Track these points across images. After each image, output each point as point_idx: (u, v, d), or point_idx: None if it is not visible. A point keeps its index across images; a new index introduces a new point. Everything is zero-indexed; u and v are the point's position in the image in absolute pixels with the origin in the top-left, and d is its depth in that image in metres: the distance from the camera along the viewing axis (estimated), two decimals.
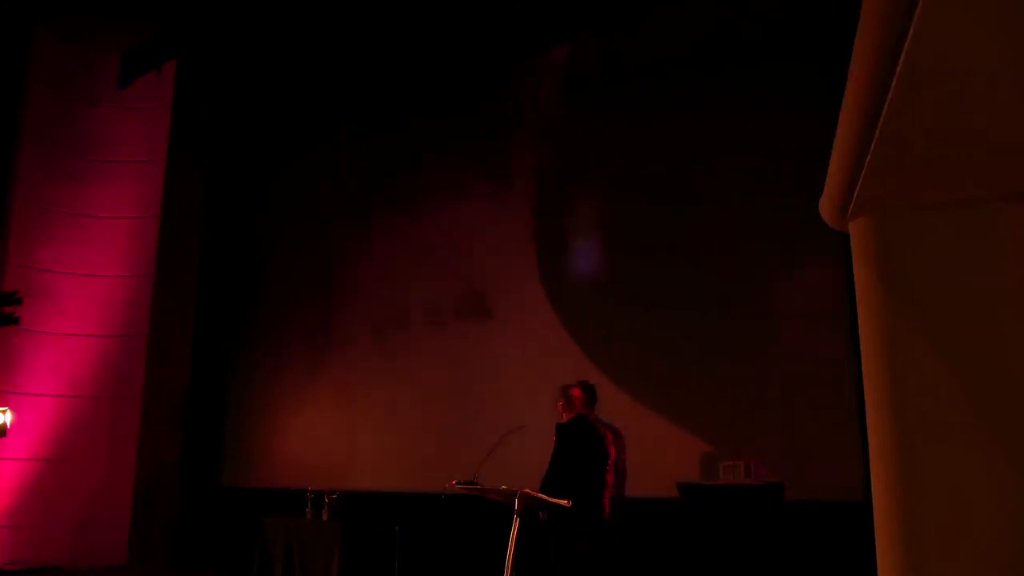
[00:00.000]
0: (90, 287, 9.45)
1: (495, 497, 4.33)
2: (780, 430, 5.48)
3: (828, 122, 1.61)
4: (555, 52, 7.52)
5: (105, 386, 9.31)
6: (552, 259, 7.10)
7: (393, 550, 6.14)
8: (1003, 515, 1.32)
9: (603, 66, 7.13)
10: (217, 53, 9.56)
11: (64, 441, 9.06)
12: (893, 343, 1.44)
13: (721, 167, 6.25)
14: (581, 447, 4.63)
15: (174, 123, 9.73)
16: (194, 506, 9.16)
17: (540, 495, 4.20)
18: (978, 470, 1.34)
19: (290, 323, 9.18)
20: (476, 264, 7.60)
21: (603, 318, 6.60)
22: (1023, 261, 1.39)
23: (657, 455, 5.58)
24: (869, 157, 1.31)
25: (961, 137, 1.30)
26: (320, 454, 8.37)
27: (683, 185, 6.47)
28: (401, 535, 6.19)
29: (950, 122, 1.25)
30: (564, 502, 4.08)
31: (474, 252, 7.66)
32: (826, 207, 1.61)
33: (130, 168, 9.82)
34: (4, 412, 7.87)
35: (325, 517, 6.37)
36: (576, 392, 4.83)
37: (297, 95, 9.07)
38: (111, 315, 9.46)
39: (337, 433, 8.36)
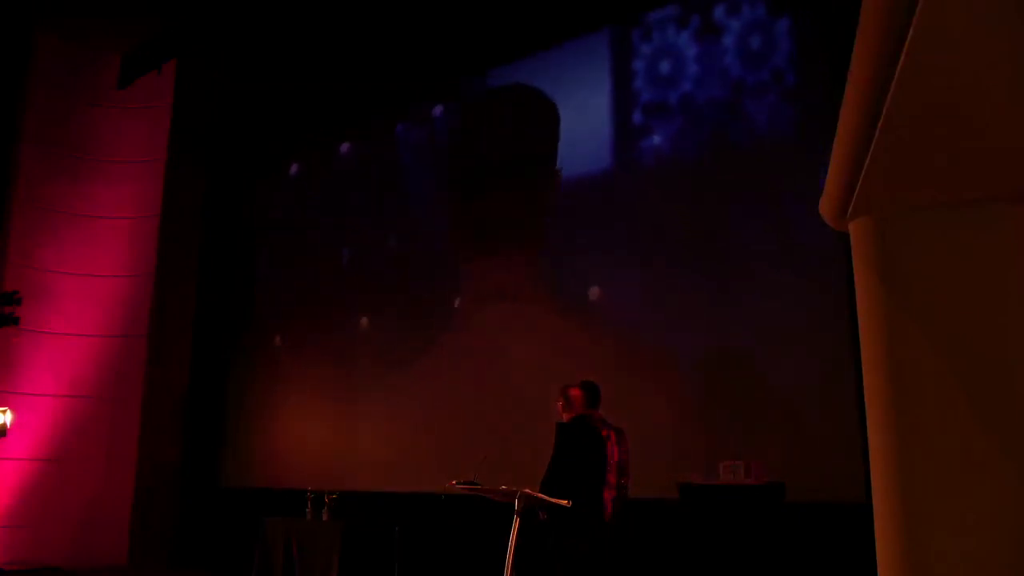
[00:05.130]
0: (90, 287, 9.45)
1: (495, 497, 4.33)
2: (780, 430, 5.48)
3: (828, 122, 1.62)
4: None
5: (105, 386, 9.32)
6: (553, 260, 7.10)
7: (393, 550, 6.14)
8: (1004, 516, 1.32)
9: None
10: (217, 53, 9.57)
11: (64, 441, 9.07)
12: (893, 343, 1.44)
13: (720, 167, 6.25)
14: (580, 447, 4.62)
15: (174, 123, 9.75)
16: (194, 506, 9.16)
17: (540, 495, 4.20)
18: (978, 470, 1.34)
19: (290, 323, 9.18)
20: (477, 263, 7.60)
21: (603, 318, 6.59)
22: (1023, 261, 1.38)
23: (657, 455, 5.57)
24: (869, 157, 1.31)
25: (961, 137, 1.30)
26: (320, 454, 8.37)
27: (682, 184, 6.47)
28: (400, 535, 6.19)
29: (950, 122, 1.25)
30: (564, 502, 4.08)
31: (475, 252, 7.66)
32: (826, 207, 1.61)
33: (130, 168, 9.83)
34: (4, 412, 7.87)
35: (325, 517, 6.37)
36: (575, 392, 4.80)
37: (297, 94, 9.07)
38: (111, 315, 9.47)
39: (337, 433, 8.36)
